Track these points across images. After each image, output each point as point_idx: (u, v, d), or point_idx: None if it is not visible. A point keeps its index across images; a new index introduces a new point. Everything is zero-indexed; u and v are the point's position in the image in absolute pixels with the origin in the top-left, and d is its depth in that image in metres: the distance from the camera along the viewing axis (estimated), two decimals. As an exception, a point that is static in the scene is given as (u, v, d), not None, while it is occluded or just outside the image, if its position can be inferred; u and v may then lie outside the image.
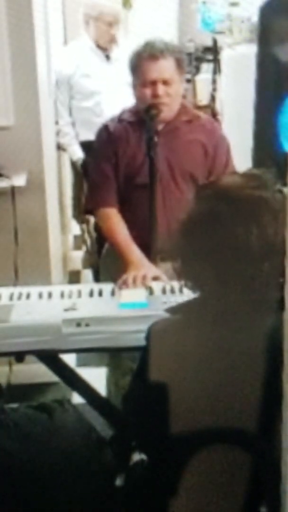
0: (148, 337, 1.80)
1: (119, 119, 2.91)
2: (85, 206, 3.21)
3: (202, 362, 1.67)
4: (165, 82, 2.72)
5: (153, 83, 2.72)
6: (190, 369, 1.69)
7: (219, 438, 1.68)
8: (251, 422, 1.64)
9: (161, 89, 2.72)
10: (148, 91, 2.74)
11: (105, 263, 3.05)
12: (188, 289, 1.78)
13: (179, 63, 2.75)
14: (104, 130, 2.93)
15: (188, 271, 1.74)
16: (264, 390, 1.61)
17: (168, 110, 2.76)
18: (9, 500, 1.36)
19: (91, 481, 1.43)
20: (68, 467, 1.40)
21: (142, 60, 2.74)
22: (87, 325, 2.30)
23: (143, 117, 2.77)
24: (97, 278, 4.10)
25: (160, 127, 2.77)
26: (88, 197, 3.07)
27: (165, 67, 2.72)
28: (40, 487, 1.37)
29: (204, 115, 3.07)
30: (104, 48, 4.31)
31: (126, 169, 2.84)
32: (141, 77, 2.75)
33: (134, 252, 2.72)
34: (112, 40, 4.29)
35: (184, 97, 2.96)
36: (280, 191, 1.69)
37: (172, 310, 1.87)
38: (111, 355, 2.97)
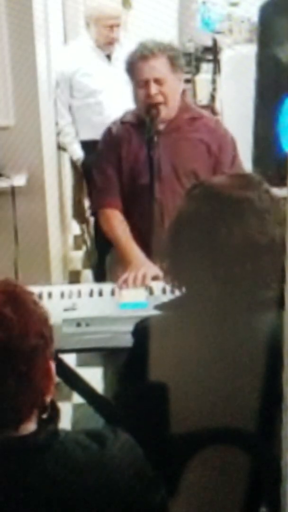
0: (134, 335, 1.81)
1: (122, 121, 2.92)
2: (90, 208, 3.22)
3: (189, 358, 1.68)
4: (158, 81, 2.72)
5: (146, 83, 2.72)
6: (178, 366, 1.69)
7: (211, 439, 1.69)
8: (233, 420, 1.64)
9: (154, 88, 2.71)
10: (142, 91, 2.74)
11: (112, 265, 3.04)
12: (175, 288, 1.79)
13: (172, 61, 2.74)
14: (107, 133, 2.94)
15: (175, 270, 1.75)
16: (255, 388, 1.61)
17: (165, 109, 2.76)
18: None
19: None
20: (116, 503, 1.34)
21: (134, 61, 2.75)
22: (87, 325, 2.30)
23: (143, 117, 2.77)
24: (97, 278, 4.10)
25: (161, 126, 2.77)
26: (91, 199, 3.07)
27: (156, 66, 2.71)
28: None
29: (207, 114, 3.06)
30: (105, 48, 4.31)
31: (130, 170, 2.84)
32: (134, 78, 2.76)
33: (134, 250, 2.72)
34: (113, 42, 4.28)
35: (184, 96, 2.95)
36: (267, 192, 1.69)
37: (159, 307, 1.88)
38: (108, 356, 2.96)
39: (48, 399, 1.35)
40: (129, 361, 1.86)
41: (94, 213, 3.16)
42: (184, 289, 1.76)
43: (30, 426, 1.34)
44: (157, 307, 1.90)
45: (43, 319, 1.37)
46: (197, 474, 1.69)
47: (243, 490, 1.69)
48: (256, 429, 1.65)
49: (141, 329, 1.80)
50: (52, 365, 1.37)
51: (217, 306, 1.66)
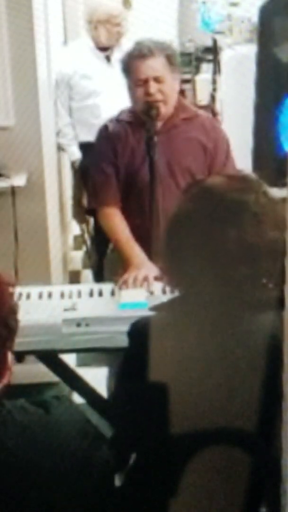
0: (130, 335, 1.81)
1: (118, 120, 2.92)
2: (87, 206, 3.21)
3: (185, 359, 1.68)
4: (157, 80, 2.72)
5: (145, 82, 2.73)
6: (173, 367, 1.69)
7: (210, 439, 1.68)
8: (229, 420, 1.64)
9: (153, 87, 2.72)
10: (140, 90, 2.74)
11: (110, 263, 3.05)
12: (172, 289, 1.79)
13: (170, 60, 2.75)
14: (104, 131, 2.94)
15: (171, 270, 1.75)
16: (251, 388, 1.61)
17: (164, 107, 2.76)
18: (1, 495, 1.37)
19: (86, 478, 1.43)
20: (63, 462, 1.41)
21: (132, 60, 2.76)
22: (87, 325, 2.30)
23: (141, 117, 2.77)
24: (97, 278, 4.10)
25: (158, 125, 2.77)
26: (89, 197, 3.07)
27: (155, 65, 2.72)
28: (34, 482, 1.38)
29: (203, 113, 3.07)
30: (105, 49, 4.30)
31: (126, 168, 2.84)
32: (132, 77, 2.76)
33: (135, 251, 2.72)
34: (113, 43, 4.27)
35: (184, 96, 2.96)
36: (266, 194, 1.69)
37: (156, 308, 1.88)
38: (114, 356, 2.97)
39: None
40: (125, 362, 1.86)
41: (90, 211, 3.15)
42: (180, 290, 1.76)
43: None
44: (153, 308, 1.90)
45: (12, 310, 1.45)
46: (197, 474, 1.69)
47: (243, 490, 1.69)
48: (256, 429, 1.65)
49: (137, 330, 1.80)
50: (10, 356, 1.47)
51: (213, 307, 1.66)
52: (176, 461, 1.69)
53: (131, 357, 1.81)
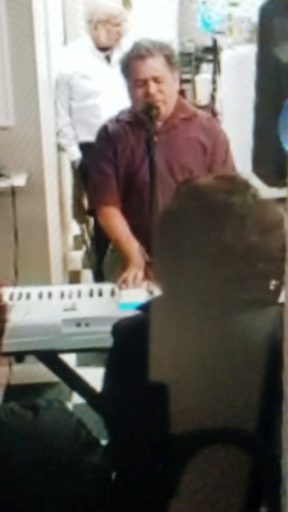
0: (113, 335, 1.81)
1: (117, 120, 2.93)
2: (87, 206, 3.22)
3: (167, 358, 1.67)
4: (156, 80, 2.73)
5: (144, 82, 2.74)
6: (156, 366, 1.68)
7: (204, 440, 1.68)
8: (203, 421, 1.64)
9: (153, 87, 2.73)
10: (140, 91, 2.75)
11: (110, 263, 3.05)
12: (157, 286, 1.79)
13: (169, 60, 2.76)
14: (103, 131, 2.95)
15: (156, 268, 1.75)
16: (232, 388, 1.62)
17: (164, 107, 2.77)
18: None
19: (75, 482, 1.43)
20: (53, 465, 1.41)
21: (131, 61, 2.77)
22: (87, 325, 2.30)
23: (141, 117, 2.78)
24: (97, 278, 4.10)
25: (158, 125, 2.77)
26: (89, 197, 3.08)
27: (154, 65, 2.73)
28: (23, 485, 1.38)
29: (202, 112, 3.07)
30: (105, 49, 4.30)
31: (126, 168, 2.84)
32: (132, 78, 2.77)
33: (135, 250, 2.72)
34: (113, 43, 4.27)
35: (184, 96, 2.97)
36: (255, 196, 1.68)
37: (140, 307, 1.88)
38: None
39: None
40: (109, 362, 1.86)
41: (91, 211, 3.17)
42: (164, 289, 1.75)
43: None
44: (138, 307, 1.90)
45: None
46: (195, 475, 1.69)
47: (243, 490, 1.69)
48: (256, 429, 1.65)
49: (119, 330, 1.80)
50: None
51: (195, 307, 1.65)
52: (173, 462, 1.69)
53: (114, 358, 1.81)
